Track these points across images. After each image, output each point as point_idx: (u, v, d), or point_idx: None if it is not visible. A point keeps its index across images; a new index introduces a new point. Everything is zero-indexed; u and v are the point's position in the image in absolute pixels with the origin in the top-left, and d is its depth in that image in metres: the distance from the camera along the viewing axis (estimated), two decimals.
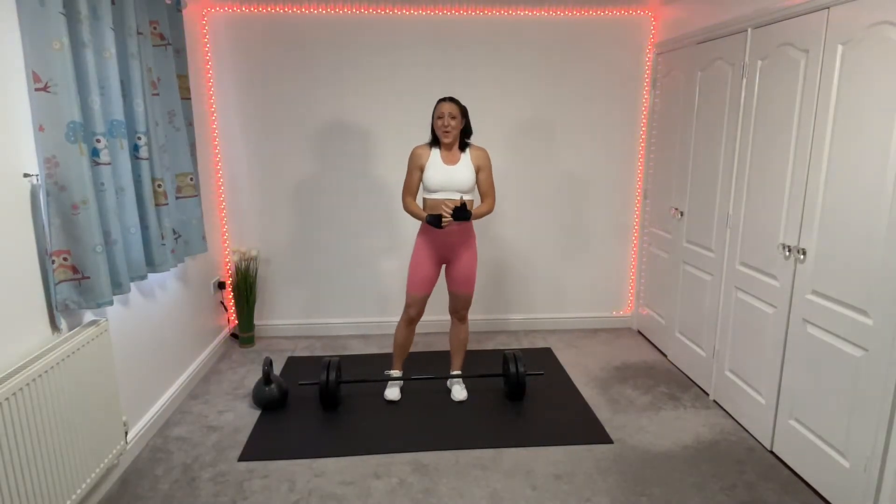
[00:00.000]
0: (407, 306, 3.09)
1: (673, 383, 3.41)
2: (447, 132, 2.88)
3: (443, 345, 3.95)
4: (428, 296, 3.08)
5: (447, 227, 2.88)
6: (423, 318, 4.06)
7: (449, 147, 2.95)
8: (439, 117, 2.88)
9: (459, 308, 3.14)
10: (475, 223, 3.28)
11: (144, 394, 2.81)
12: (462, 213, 2.77)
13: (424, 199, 3.00)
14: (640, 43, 3.91)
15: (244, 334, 3.97)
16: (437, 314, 3.96)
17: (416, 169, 2.97)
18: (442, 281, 3.20)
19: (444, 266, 3.10)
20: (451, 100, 2.91)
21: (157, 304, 2.96)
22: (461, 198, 2.90)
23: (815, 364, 2.39)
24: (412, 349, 3.88)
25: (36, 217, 2.07)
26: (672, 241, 3.67)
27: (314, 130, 3.88)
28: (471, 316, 4.20)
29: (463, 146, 2.98)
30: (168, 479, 2.49)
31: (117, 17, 2.45)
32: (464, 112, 2.93)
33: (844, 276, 2.23)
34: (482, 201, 3.03)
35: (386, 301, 4.18)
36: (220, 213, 3.92)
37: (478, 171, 2.97)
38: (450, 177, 2.90)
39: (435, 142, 2.98)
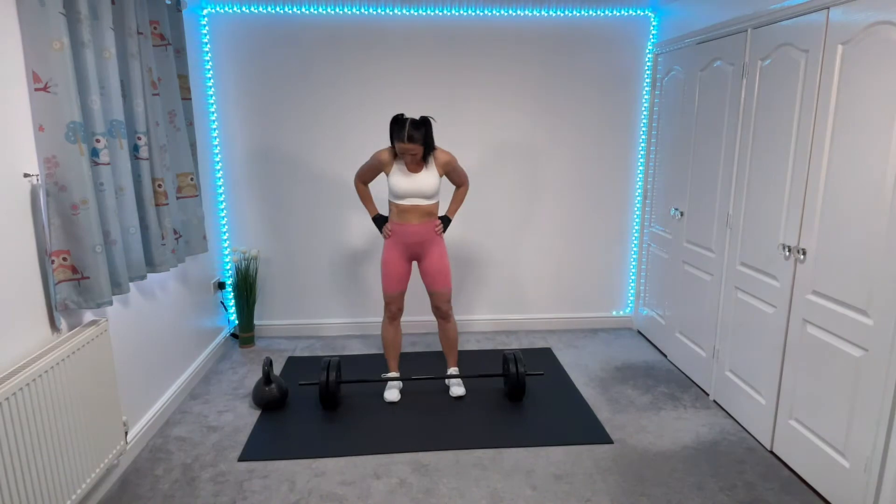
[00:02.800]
0: (387, 305, 3.16)
1: (673, 383, 3.41)
2: (413, 158, 2.91)
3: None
4: (404, 291, 3.17)
5: (411, 228, 3.02)
6: (421, 319, 4.12)
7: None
8: (401, 152, 2.87)
9: (440, 305, 3.15)
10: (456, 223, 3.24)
11: (144, 394, 2.81)
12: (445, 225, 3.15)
13: (391, 203, 3.05)
14: (640, 43, 3.91)
15: (244, 334, 3.97)
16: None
17: (376, 167, 3.03)
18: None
19: (415, 264, 3.13)
20: (410, 138, 2.79)
21: (156, 304, 2.96)
22: (438, 222, 3.08)
23: (815, 364, 2.39)
24: (412, 349, 3.88)
25: (36, 217, 2.08)
26: (672, 241, 3.67)
27: (314, 130, 3.88)
28: (470, 316, 4.23)
29: (425, 155, 2.95)
30: (168, 479, 2.49)
31: (117, 18, 2.45)
32: (424, 136, 2.83)
33: (844, 276, 2.22)
34: (457, 189, 3.19)
35: None
36: (220, 213, 3.92)
37: (448, 174, 3.07)
38: (416, 185, 2.95)
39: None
